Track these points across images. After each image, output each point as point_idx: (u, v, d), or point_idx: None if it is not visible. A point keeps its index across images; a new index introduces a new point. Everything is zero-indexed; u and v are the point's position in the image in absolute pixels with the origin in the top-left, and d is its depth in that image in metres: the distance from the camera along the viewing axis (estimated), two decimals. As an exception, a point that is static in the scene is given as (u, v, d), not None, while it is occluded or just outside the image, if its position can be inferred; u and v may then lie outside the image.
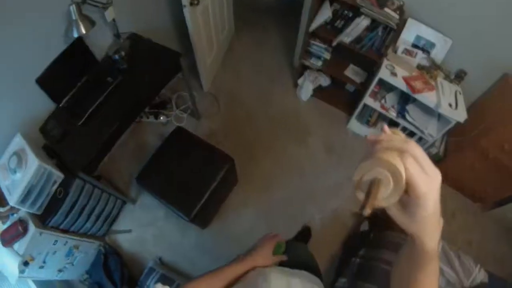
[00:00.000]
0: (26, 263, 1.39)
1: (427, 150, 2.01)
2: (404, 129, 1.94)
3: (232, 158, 1.66)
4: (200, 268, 1.89)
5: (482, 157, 1.80)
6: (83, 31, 1.29)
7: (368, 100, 1.91)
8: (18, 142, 1.37)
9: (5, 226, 1.38)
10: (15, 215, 1.41)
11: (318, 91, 2.27)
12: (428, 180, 0.29)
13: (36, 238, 1.39)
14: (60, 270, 1.64)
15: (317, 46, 1.96)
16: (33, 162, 1.31)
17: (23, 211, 1.40)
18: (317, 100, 2.29)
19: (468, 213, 2.04)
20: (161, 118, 2.12)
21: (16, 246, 1.36)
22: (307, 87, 2.14)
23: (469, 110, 1.73)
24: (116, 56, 1.52)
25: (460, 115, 1.67)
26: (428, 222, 0.33)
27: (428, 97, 1.69)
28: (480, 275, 1.51)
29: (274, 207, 1.97)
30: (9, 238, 1.35)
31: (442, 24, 1.65)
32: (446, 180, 2.06)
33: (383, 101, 1.88)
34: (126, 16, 1.66)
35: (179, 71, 1.75)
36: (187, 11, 1.66)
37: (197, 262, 1.90)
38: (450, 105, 1.68)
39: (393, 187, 0.29)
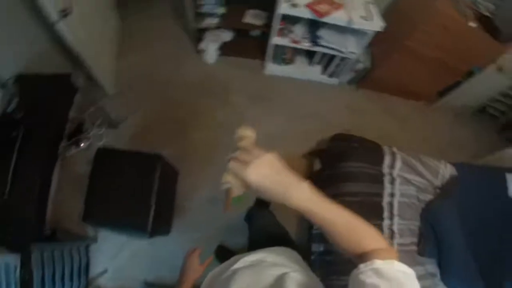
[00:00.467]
0: None
1: (354, 67, 1.99)
2: (322, 56, 1.90)
3: (160, 155, 1.55)
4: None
5: (410, 57, 1.82)
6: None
7: (276, 39, 1.82)
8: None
9: None
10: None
11: (225, 48, 2.13)
12: (242, 167, 0.46)
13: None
14: None
15: (207, 5, 1.80)
16: (-15, 264, 1.18)
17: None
18: (226, 57, 2.17)
19: (416, 113, 2.10)
20: (82, 144, 1.92)
21: None
22: (211, 48, 2.01)
23: (385, 16, 1.71)
24: (10, 108, 1.41)
25: (376, 24, 1.64)
26: (271, 188, 0.46)
27: (337, 17, 1.63)
28: (447, 170, 1.54)
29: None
30: None
31: None
32: (384, 88, 2.09)
33: (292, 35, 1.80)
34: (3, 62, 1.49)
35: (76, 91, 1.64)
36: (60, 27, 1.44)
37: (179, 266, 1.85)
38: (363, 17, 1.64)
39: (237, 185, 0.47)
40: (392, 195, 1.43)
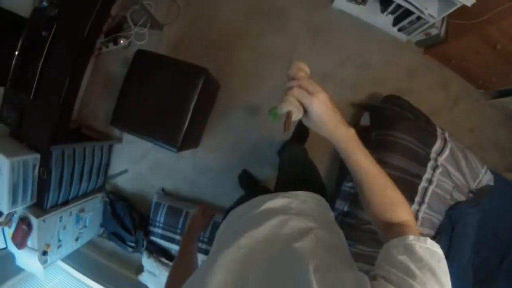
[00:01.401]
0: (44, 253, 1.42)
1: (426, 30, 1.78)
2: (398, 7, 1.67)
3: (205, 68, 1.43)
4: (203, 188, 1.89)
5: (488, 45, 1.59)
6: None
7: (356, -27, 1.57)
8: (-19, 147, 1.28)
9: (12, 230, 1.39)
10: (14, 215, 1.41)
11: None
12: (309, 96, 0.48)
13: (42, 227, 1.39)
14: (77, 239, 1.69)
15: None
16: (4, 163, 1.23)
17: (19, 209, 1.39)
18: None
19: (471, 99, 1.92)
20: (121, 42, 1.82)
21: (29, 243, 1.39)
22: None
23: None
24: (44, 3, 1.31)
25: (467, -3, 1.37)
26: (327, 121, 0.49)
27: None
28: (486, 177, 1.48)
29: (264, 104, 1.81)
30: (20, 241, 1.37)
31: None
32: (448, 63, 1.90)
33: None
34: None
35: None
36: None
37: (199, 182, 1.90)
38: (456, -16, 1.37)
39: (297, 110, 0.49)
40: (430, 181, 1.39)
